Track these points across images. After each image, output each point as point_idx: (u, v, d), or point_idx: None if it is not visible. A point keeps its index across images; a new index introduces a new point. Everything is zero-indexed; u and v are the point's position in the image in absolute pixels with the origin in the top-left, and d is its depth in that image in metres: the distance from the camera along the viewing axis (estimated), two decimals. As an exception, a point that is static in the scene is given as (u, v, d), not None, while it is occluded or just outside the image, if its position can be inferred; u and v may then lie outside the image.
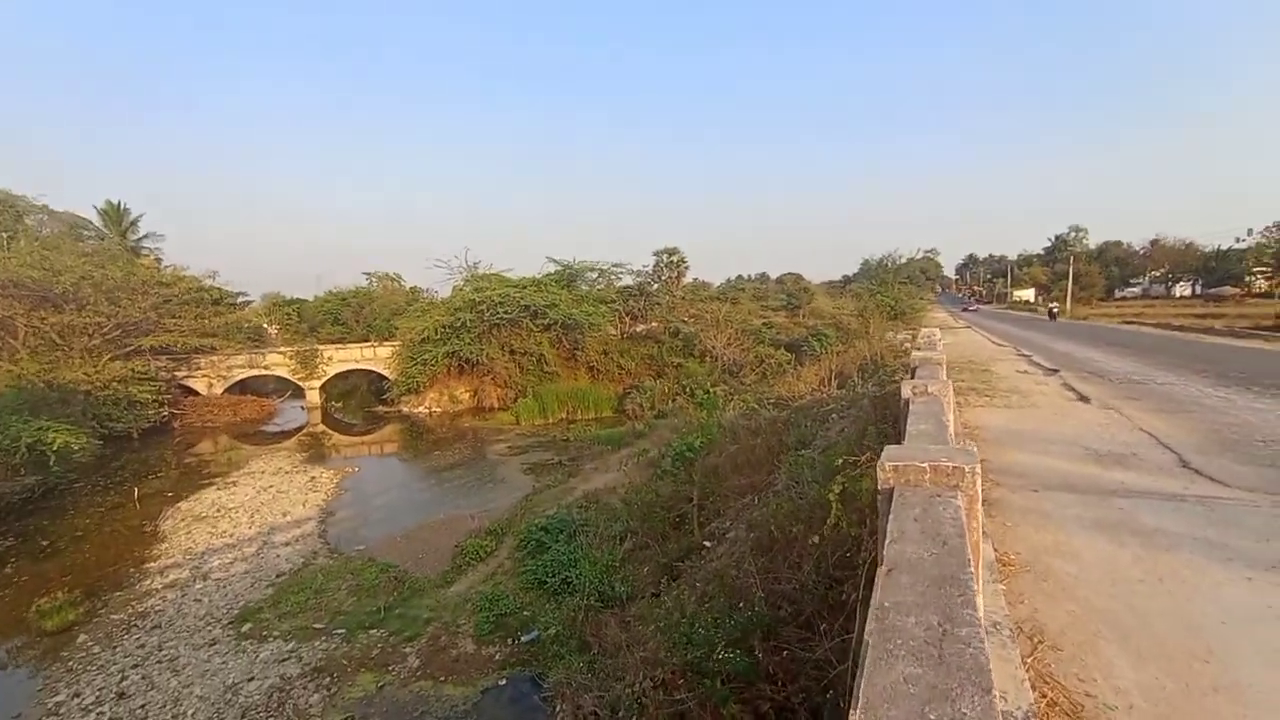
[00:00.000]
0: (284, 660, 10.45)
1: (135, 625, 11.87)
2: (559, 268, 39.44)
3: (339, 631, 11.22)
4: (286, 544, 15.85)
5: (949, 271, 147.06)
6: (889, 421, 8.02)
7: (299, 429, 32.42)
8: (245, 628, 11.54)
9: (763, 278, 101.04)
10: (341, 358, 36.76)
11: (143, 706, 9.34)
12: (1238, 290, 70.80)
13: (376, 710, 9.17)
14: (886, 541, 1.60)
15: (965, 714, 0.90)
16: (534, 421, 31.14)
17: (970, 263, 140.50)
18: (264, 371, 35.85)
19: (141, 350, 28.80)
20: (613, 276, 41.16)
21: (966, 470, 1.93)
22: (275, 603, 12.45)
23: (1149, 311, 49.09)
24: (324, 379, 36.08)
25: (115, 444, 25.43)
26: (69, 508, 19.05)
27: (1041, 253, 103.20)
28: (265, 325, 47.91)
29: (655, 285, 45.56)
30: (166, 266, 37.32)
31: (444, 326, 33.71)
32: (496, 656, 10.31)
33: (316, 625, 11.55)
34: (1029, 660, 2.64)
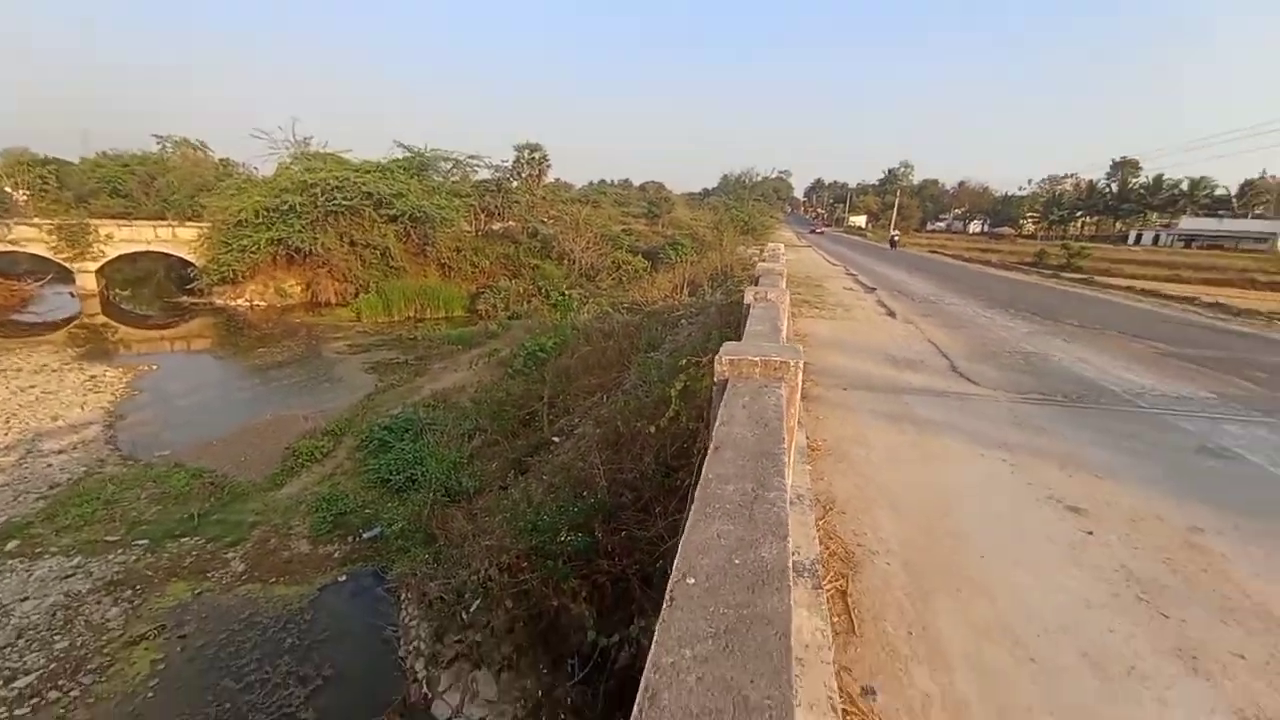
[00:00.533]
0: (68, 577, 9.24)
1: None
2: (408, 154, 35.30)
3: (140, 543, 10.10)
4: (60, 451, 13.55)
5: (799, 193, 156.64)
6: (732, 327, 8.63)
7: (69, 320, 26.88)
8: (10, 545, 9.92)
9: (625, 184, 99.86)
10: (128, 237, 30.39)
11: None
12: (1013, 230, 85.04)
13: (194, 616, 8.57)
14: (716, 424, 1.75)
15: (764, 557, 1.06)
16: (377, 319, 28.87)
17: (817, 186, 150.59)
18: (10, 248, 28.60)
19: None
20: (469, 169, 37.93)
21: (791, 364, 2.14)
22: (50, 517, 10.77)
23: (949, 244, 57.09)
24: (102, 261, 29.80)
25: None
26: None
27: (876, 183, 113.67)
28: (9, 189, 37.62)
29: (515, 182, 42.94)
30: None
31: (267, 210, 29.13)
32: (335, 555, 10.02)
33: (109, 538, 10.26)
34: (820, 523, 3.14)
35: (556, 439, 10.08)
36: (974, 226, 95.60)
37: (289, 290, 30.99)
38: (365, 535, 10.34)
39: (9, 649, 7.78)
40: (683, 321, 12.26)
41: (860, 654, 2.21)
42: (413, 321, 28.93)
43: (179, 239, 31.19)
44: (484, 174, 39.17)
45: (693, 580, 0.98)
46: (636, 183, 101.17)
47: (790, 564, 1.04)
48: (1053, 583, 2.76)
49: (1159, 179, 76.07)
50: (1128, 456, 4.46)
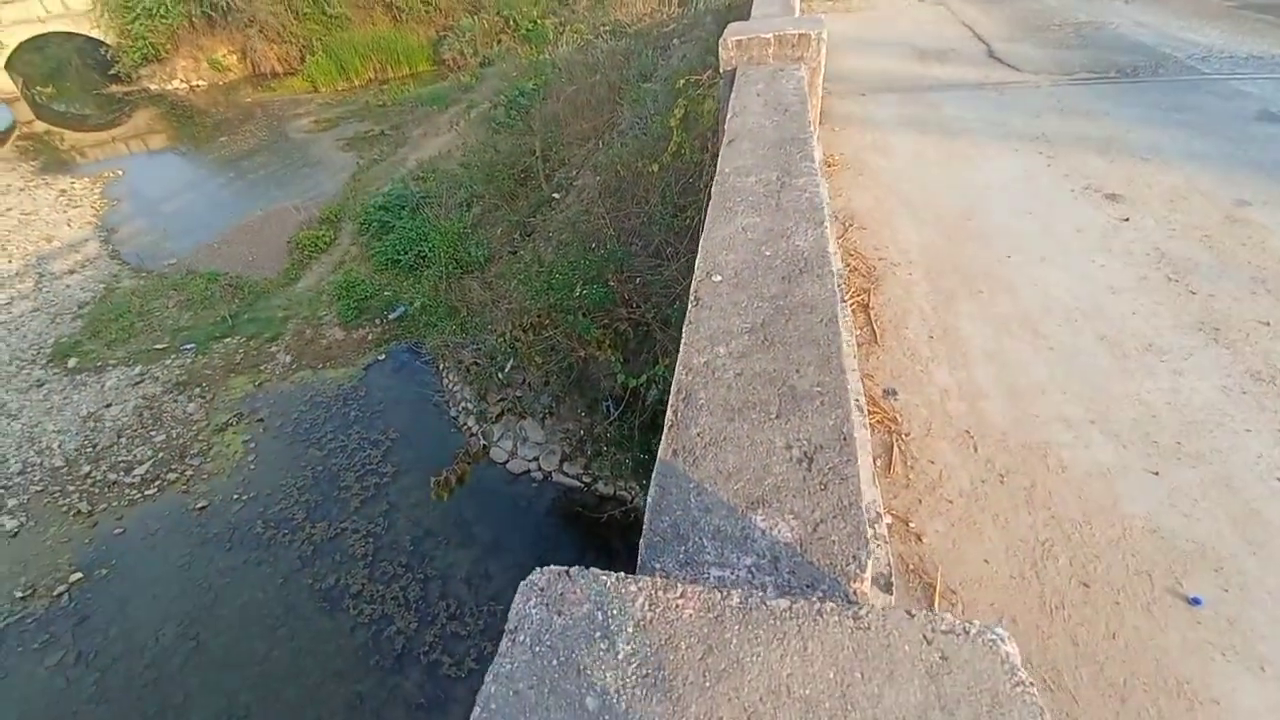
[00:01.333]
0: (138, 383, 10.03)
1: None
2: None
3: (188, 347, 10.68)
4: (71, 271, 13.58)
5: None
6: (733, 37, 7.45)
7: (8, 132, 24.49)
8: (71, 362, 10.58)
9: None
10: (17, 17, 25.77)
11: (-10, 455, 8.87)
12: None
13: (263, 404, 9.47)
14: (729, 117, 1.49)
15: (799, 245, 0.93)
16: (335, 86, 25.71)
17: None
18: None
19: None
20: None
21: (813, 37, 1.77)
22: (94, 333, 11.27)
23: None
24: (6, 54, 25.86)
25: None
26: None
27: None
28: None
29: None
30: None
31: (158, -45, 23.87)
32: (369, 337, 10.56)
33: (158, 346, 10.85)
34: (841, 240, 3.02)
35: (557, 195, 9.64)
36: None
37: (224, 62, 27.14)
38: (391, 316, 10.73)
39: (115, 447, 8.86)
40: (675, 40, 10.60)
41: (882, 361, 2.28)
42: (376, 83, 25.75)
43: (72, 10, 26.39)
44: None
45: (719, 278, 0.89)
46: None
47: (829, 250, 0.93)
48: (1080, 273, 2.71)
49: None
50: (1180, 131, 4.05)
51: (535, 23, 19.11)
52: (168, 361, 10.43)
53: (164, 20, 25.19)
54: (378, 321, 10.79)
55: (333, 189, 16.20)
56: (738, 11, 7.62)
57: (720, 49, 1.79)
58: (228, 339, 10.82)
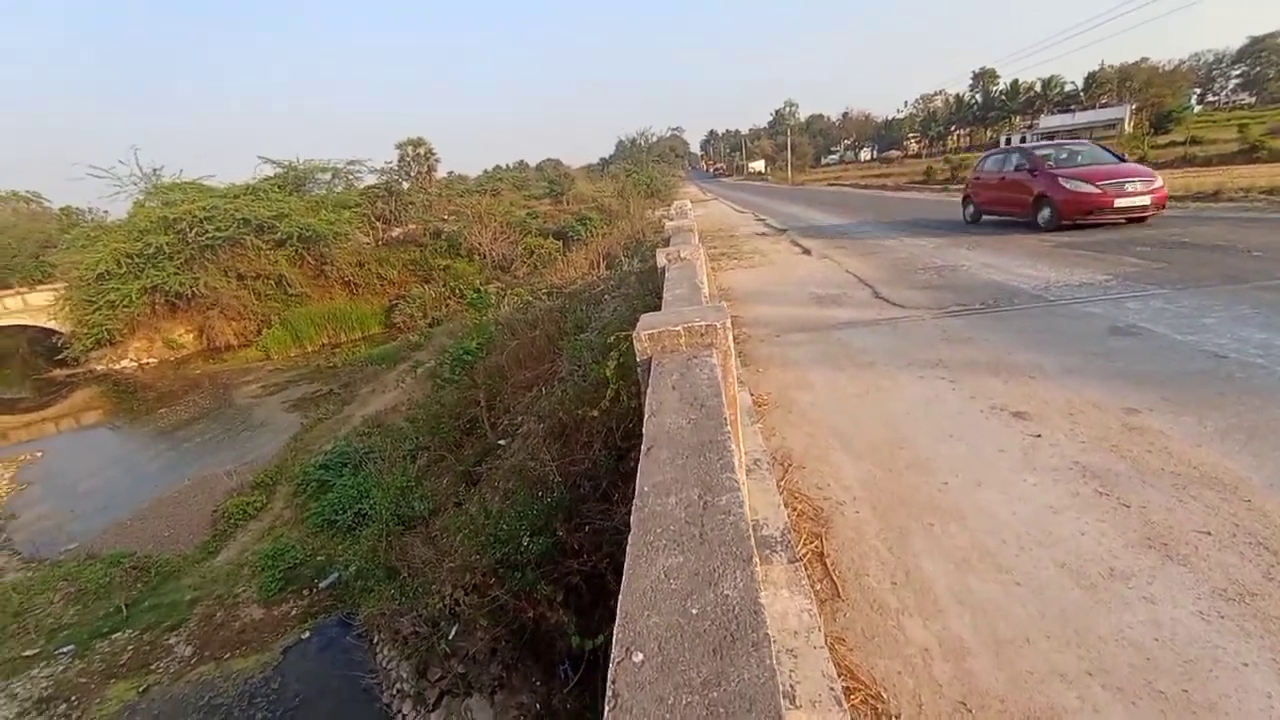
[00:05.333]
0: (-12, 707, 8.20)
1: None
2: (278, 170, 32.53)
3: (64, 650, 9.09)
4: (-55, 571, 11.95)
5: (695, 148, 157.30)
6: (655, 294, 8.47)
7: (-78, 422, 23.54)
8: (-93, 688, 8.67)
9: (521, 166, 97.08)
10: (-33, 316, 26.75)
11: None
12: (900, 152, 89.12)
13: (144, 717, 7.82)
14: (646, 416, 1.53)
15: (728, 595, 0.84)
16: (289, 353, 26.93)
17: (712, 138, 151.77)
18: None
19: None
20: (352, 176, 35.45)
21: (719, 327, 1.94)
22: (-51, 646, 9.49)
23: (844, 174, 59.10)
24: (-56, 348, 26.17)
25: None
26: None
27: (766, 126, 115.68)
28: None
29: (405, 183, 40.65)
30: None
31: (130, 256, 26.27)
32: (293, 612, 9.38)
33: (28, 653, 9.19)
34: (782, 483, 3.03)
35: (503, 441, 9.68)
36: (865, 154, 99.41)
37: (180, 340, 28.34)
38: (322, 585, 9.72)
39: (-72, 808, 6.85)
40: (606, 296, 11.97)
41: (850, 619, 2.11)
42: (329, 348, 27.19)
43: (32, 306, 27.71)
44: (369, 179, 36.81)
45: (640, 656, 0.75)
46: (533, 163, 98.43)
47: (761, 599, 0.84)
48: (1016, 494, 2.77)
49: (1015, 84, 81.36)
50: (1050, 350, 4.63)
51: (478, 290, 21.48)
52: (35, 672, 8.74)
53: (126, 309, 26.68)
54: (305, 593, 9.70)
55: (272, 451, 15.84)
56: (656, 277, 8.82)
57: (635, 341, 1.94)
58: (116, 634, 9.33)
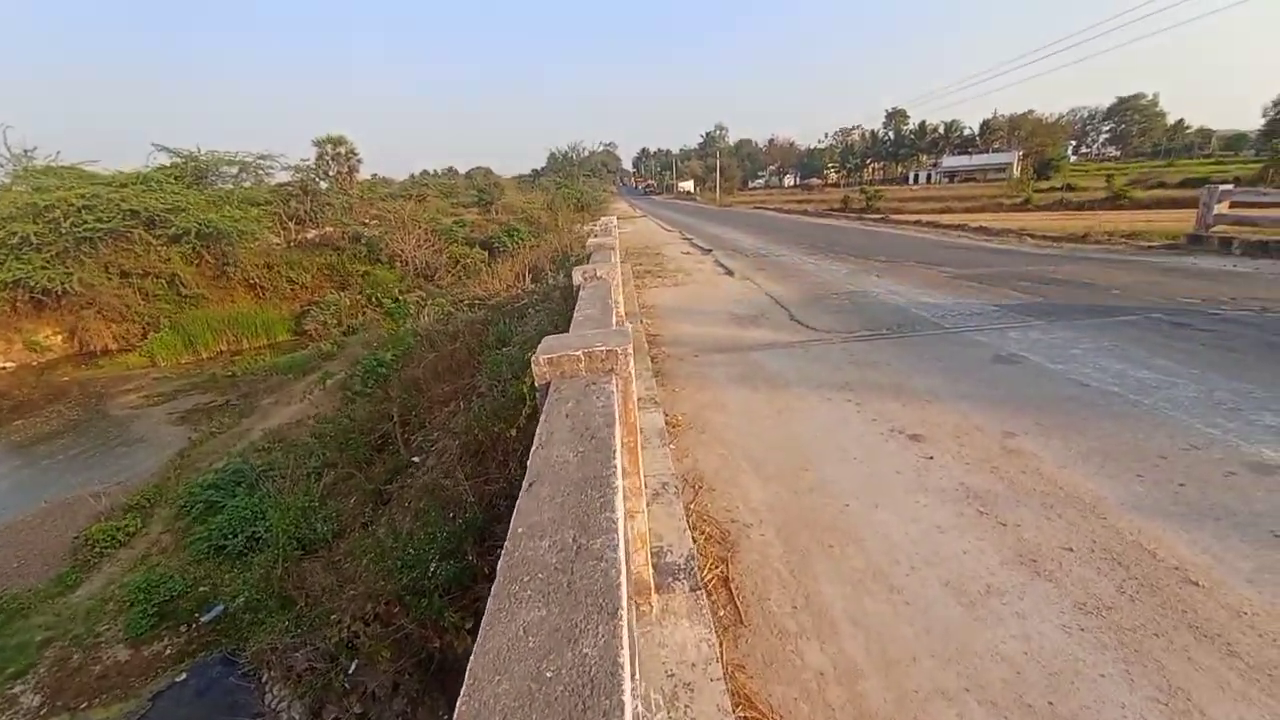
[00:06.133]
0: None
1: None
2: (176, 160, 29.91)
3: (-127, 707, 7.71)
4: None
5: (627, 164, 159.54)
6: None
7: None
8: None
9: (451, 173, 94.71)
10: None
11: None
12: (821, 181, 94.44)
13: (-22, 781, 6.78)
14: (534, 448, 1.46)
15: (587, 654, 0.79)
16: (179, 359, 24.55)
17: (644, 156, 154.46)
18: None
19: None
20: (262, 171, 33.12)
21: (620, 352, 1.91)
22: None
23: (769, 198, 61.75)
24: None
25: None
26: None
27: (696, 147, 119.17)
28: None
29: (324, 183, 38.51)
30: None
31: (-12, 246, 23.23)
32: (168, 651, 8.42)
33: None
34: (691, 506, 3.04)
35: (416, 459, 9.22)
36: (788, 180, 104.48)
37: (45, 342, 25.20)
38: (204, 619, 8.80)
39: None
40: (530, 310, 11.76)
41: (752, 645, 2.12)
42: (227, 355, 25.05)
43: None
44: (284, 176, 34.56)
45: None
46: (462, 170, 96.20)
47: (622, 658, 0.79)
48: (909, 515, 2.91)
49: (923, 125, 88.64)
50: (944, 375, 4.96)
51: (397, 299, 20.56)
52: None
53: (-20, 306, 23.54)
54: (183, 629, 8.75)
55: (152, 468, 14.32)
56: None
57: (533, 365, 1.87)
58: (-54, 685, 8.03)
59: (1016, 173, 57.07)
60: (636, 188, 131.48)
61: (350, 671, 6.59)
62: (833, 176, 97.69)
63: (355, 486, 10.21)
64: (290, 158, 35.87)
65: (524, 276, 15.33)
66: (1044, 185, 43.90)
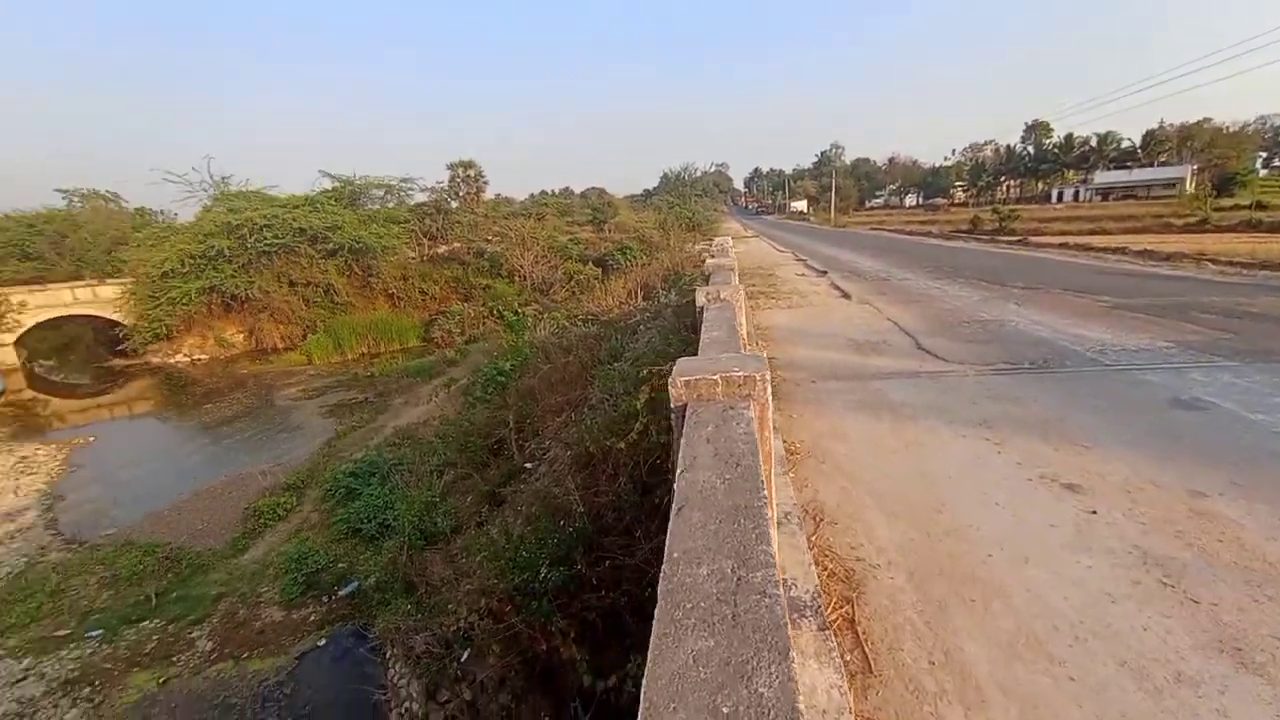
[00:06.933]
0: (18, 682, 8.44)
1: None
2: (336, 184, 34.10)
3: (94, 634, 9.32)
4: (-5, 544, 12.49)
5: (739, 184, 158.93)
6: (691, 329, 8.45)
7: (-9, 399, 24.99)
8: (-54, 657, 9.00)
9: (566, 192, 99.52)
10: (43, 302, 28.44)
11: None
12: (946, 200, 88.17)
13: (162, 708, 7.92)
14: (678, 471, 1.48)
15: (763, 694, 0.78)
16: (330, 359, 27.76)
17: (756, 176, 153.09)
18: (-94, 327, 26.43)
19: None
20: (404, 193, 36.90)
21: (758, 378, 1.89)
22: (-10, 618, 9.85)
23: (888, 219, 58.67)
24: (19, 332, 27.81)
25: None
26: None
27: (811, 167, 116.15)
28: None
29: (454, 202, 42.11)
30: None
31: (193, 257, 27.71)
32: (312, 618, 9.45)
33: (60, 633, 9.45)
34: (813, 539, 2.92)
35: (529, 465, 9.69)
36: (909, 200, 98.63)
37: (230, 339, 29.56)
38: (341, 593, 9.77)
39: (-45, 778, 7.03)
40: (641, 327, 12.01)
41: (883, 699, 1.98)
42: (367, 358, 27.95)
43: (101, 299, 29.37)
44: (420, 197, 38.24)
45: None
46: (578, 190, 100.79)
47: (799, 704, 0.77)
48: (1069, 576, 2.60)
49: (1069, 138, 79.98)
50: (1105, 419, 4.40)
51: (517, 312, 21.86)
52: (64, 653, 8.97)
53: (184, 307, 28.08)
54: (325, 599, 9.76)
55: (305, 454, 16.20)
56: (693, 312, 8.82)
57: (670, 386, 1.91)
58: (144, 623, 9.53)
59: (1190, 188, 49.78)
60: (747, 207, 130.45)
61: (462, 660, 6.99)
62: (960, 196, 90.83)
63: (472, 486, 10.90)
64: (427, 180, 39.55)
65: (635, 294, 15.71)
66: (1226, 203, 37.96)
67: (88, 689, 8.25)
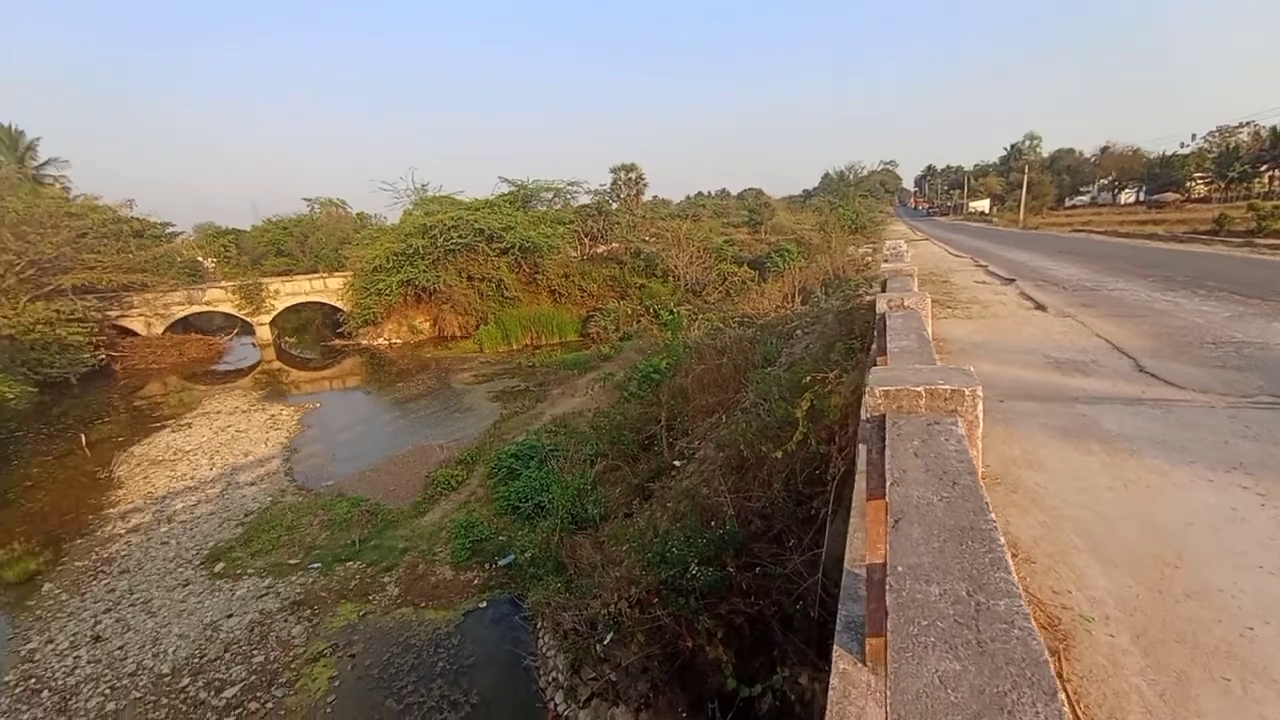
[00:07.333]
0: (261, 596, 10.45)
1: (102, 571, 11.65)
2: (512, 188, 37.53)
3: (315, 566, 11.23)
4: (252, 483, 15.57)
5: (908, 184, 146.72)
6: (856, 336, 7.99)
7: (253, 366, 31.24)
8: (218, 567, 11.43)
9: (723, 194, 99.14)
10: (290, 291, 34.95)
11: (120, 648, 9.28)
12: (1178, 196, 72.83)
13: (361, 637, 9.33)
14: (888, 484, 1.42)
15: None
16: (498, 349, 30.69)
17: (929, 174, 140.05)
18: (207, 308, 33.89)
19: (63, 290, 26.57)
20: (569, 196, 39.53)
21: (967, 394, 1.76)
22: (247, 541, 12.33)
23: (1096, 219, 50.26)
24: (273, 313, 34.44)
25: (53, 390, 24.08)
26: (14, 458, 18.16)
27: (997, 162, 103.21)
28: (200, 259, 44.71)
29: (614, 204, 44.13)
30: (75, 196, 33.89)
31: (396, 254, 32.22)
32: (475, 581, 10.52)
33: (291, 561, 11.52)
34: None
35: (678, 463, 9.89)
36: (1125, 196, 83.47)
37: (419, 327, 33.92)
38: (501, 563, 10.75)
39: (218, 661, 8.90)
40: (798, 332, 11.65)
41: (1104, 770, 1.73)
42: (530, 349, 30.42)
43: (329, 289, 35.32)
44: (584, 199, 40.64)
45: None
46: (734, 191, 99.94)
47: None
48: (1371, 670, 2.06)
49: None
50: None
51: (673, 311, 22.34)
52: (293, 578, 10.91)
53: (387, 297, 32.76)
54: (487, 566, 10.82)
55: (475, 433, 18.07)
56: (859, 318, 8.33)
57: (867, 395, 1.83)
58: (350, 563, 11.27)
59: None
60: (917, 208, 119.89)
61: (605, 642, 7.34)
62: (1200, 190, 74.68)
63: (621, 478, 11.40)
64: (590, 183, 41.91)
65: (792, 297, 15.27)
66: None
67: (308, 611, 9.97)
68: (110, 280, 28.30)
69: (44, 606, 10.51)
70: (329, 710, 7.95)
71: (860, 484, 3.70)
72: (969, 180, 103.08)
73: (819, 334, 10.11)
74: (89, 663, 8.92)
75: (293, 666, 8.74)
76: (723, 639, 5.22)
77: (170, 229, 41.64)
